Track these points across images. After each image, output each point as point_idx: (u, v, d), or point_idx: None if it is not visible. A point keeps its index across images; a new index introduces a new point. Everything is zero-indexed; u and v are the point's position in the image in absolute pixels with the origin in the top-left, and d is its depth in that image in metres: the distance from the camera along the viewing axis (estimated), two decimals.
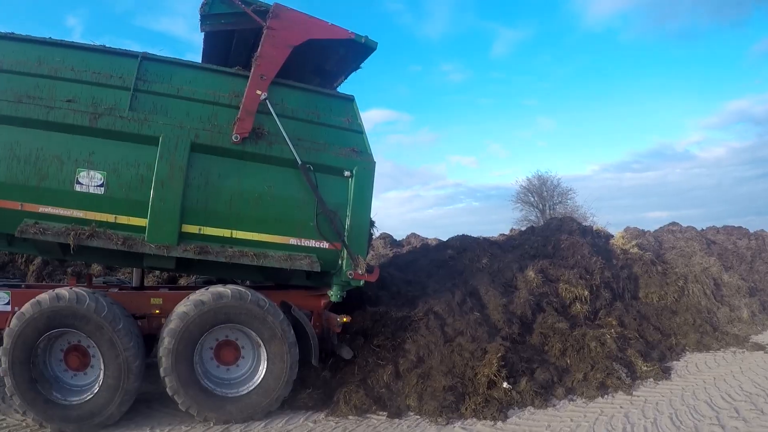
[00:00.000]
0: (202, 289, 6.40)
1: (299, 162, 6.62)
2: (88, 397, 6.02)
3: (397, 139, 76.34)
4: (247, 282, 7.92)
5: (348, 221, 6.83)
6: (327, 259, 6.80)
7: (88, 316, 5.91)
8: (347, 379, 6.86)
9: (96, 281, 8.36)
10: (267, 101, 6.64)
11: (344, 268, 6.79)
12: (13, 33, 6.41)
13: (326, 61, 7.87)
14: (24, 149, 6.06)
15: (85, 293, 6.02)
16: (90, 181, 6.21)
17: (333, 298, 6.87)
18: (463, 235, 10.58)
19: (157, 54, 6.70)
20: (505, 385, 6.69)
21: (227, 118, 6.58)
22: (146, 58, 6.56)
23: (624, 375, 7.30)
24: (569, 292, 9.08)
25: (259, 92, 6.62)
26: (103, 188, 6.22)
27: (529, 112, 72.01)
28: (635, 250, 10.84)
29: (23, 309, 5.91)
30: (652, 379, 7.53)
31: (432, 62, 72.52)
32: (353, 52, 7.47)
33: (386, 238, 14.40)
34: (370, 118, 74.04)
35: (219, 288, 6.37)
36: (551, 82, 69.00)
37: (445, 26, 75.43)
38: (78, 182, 6.16)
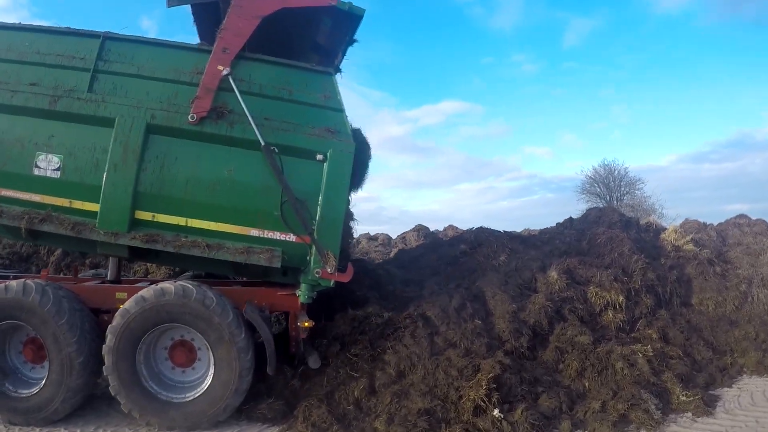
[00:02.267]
0: (151, 285, 5.20)
1: (262, 143, 5.21)
2: (35, 391, 5.18)
3: (470, 131, 72.14)
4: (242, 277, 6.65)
5: (319, 211, 5.33)
6: (294, 254, 5.36)
7: (33, 309, 5.04)
8: (314, 391, 5.38)
9: (86, 274, 7.48)
10: (229, 77, 5.31)
11: (311, 265, 5.31)
12: None
13: (317, 34, 6.41)
14: None
15: (33, 285, 5.13)
16: (48, 164, 5.36)
17: (301, 299, 5.40)
18: (480, 227, 8.58)
19: (121, 33, 5.56)
20: (495, 412, 4.91)
21: (188, 96, 5.35)
22: (108, 37, 5.52)
23: (653, 407, 5.24)
24: (600, 298, 6.95)
25: (221, 68, 5.33)
26: (59, 172, 5.33)
27: (603, 102, 64.71)
28: (690, 246, 8.23)
29: None
30: (690, 414, 5.36)
31: (504, 53, 67.34)
32: (341, 22, 5.99)
33: (421, 230, 12.54)
34: (442, 109, 71.12)
35: (165, 284, 5.17)
36: (625, 70, 61.56)
37: (516, 16, 69.95)
38: (37, 166, 5.34)
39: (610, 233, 7.96)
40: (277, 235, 5.33)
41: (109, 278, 6.21)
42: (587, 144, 64.96)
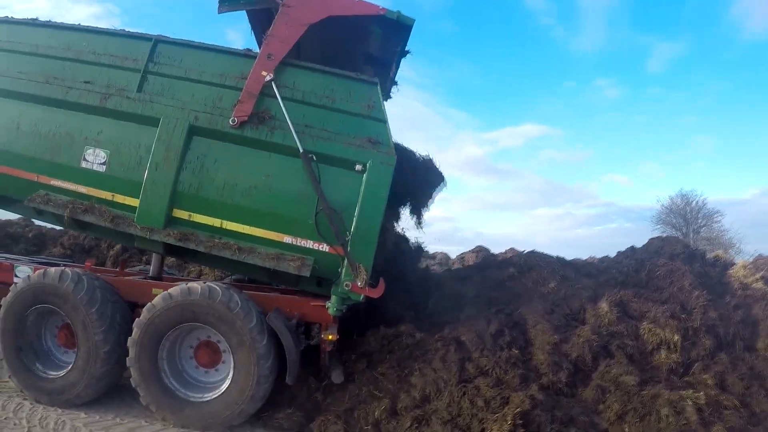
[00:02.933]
0: (182, 283, 5.13)
1: (300, 150, 5.03)
2: (62, 374, 5.25)
3: (550, 155, 69.57)
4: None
5: (354, 223, 5.07)
6: (326, 264, 5.13)
7: (66, 296, 5.11)
8: (335, 407, 5.08)
9: (133, 269, 7.57)
10: (273, 83, 5.18)
11: (342, 277, 5.06)
12: (49, 21, 5.94)
13: (370, 45, 6.24)
14: (45, 126, 5.58)
15: (69, 272, 5.19)
16: (95, 158, 5.46)
17: (330, 311, 5.13)
18: (531, 251, 7.94)
19: (172, 37, 5.60)
20: None
21: (232, 100, 5.27)
22: (160, 40, 5.57)
23: None
24: (653, 335, 6.22)
25: (264, 73, 5.22)
26: (105, 166, 5.43)
27: (686, 130, 60.95)
28: (759, 284, 7.17)
29: (18, 282, 5.34)
30: None
31: (586, 77, 64.68)
32: (391, 32, 5.77)
33: (480, 251, 11.93)
34: (522, 132, 69.15)
35: (193, 283, 5.07)
36: (710, 98, 57.81)
37: (598, 40, 67.32)
38: (85, 159, 5.46)
39: (670, 265, 7.18)
40: (309, 244, 5.13)
41: (150, 274, 6.22)
42: (668, 173, 61.21)
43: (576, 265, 7.91)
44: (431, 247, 16.69)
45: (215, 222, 5.19)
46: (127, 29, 5.79)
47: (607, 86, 64.09)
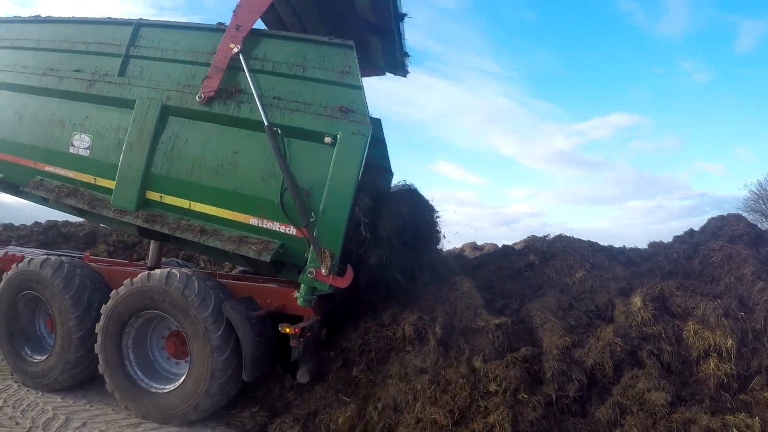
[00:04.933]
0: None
1: (265, 123, 4.28)
2: (44, 358, 4.93)
3: (640, 145, 62.40)
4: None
5: (322, 202, 4.21)
6: (294, 249, 4.32)
7: (44, 282, 4.79)
8: (298, 409, 4.24)
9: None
10: (240, 55, 4.48)
11: (307, 263, 4.22)
12: (50, 16, 5.73)
13: (363, 10, 5.51)
14: (42, 115, 5.36)
15: (52, 260, 4.88)
16: (80, 143, 5.12)
17: (298, 301, 4.31)
18: (558, 235, 6.47)
19: (152, 20, 5.13)
20: None
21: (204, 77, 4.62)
22: (141, 24, 5.10)
23: None
24: (700, 339, 4.68)
25: (232, 46, 4.52)
26: (88, 151, 5.06)
27: None
28: None
29: (9, 271, 5.14)
30: None
31: (672, 62, 56.93)
32: None
33: (532, 241, 10.45)
34: (611, 122, 62.65)
35: (158, 269, 4.51)
36: None
37: (683, 23, 59.06)
38: (72, 144, 5.12)
39: (729, 249, 5.44)
40: (276, 227, 4.34)
41: (149, 264, 5.77)
42: (763, 159, 53.20)
43: (610, 251, 6.34)
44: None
45: (184, 203, 4.60)
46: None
47: (695, 69, 56.29)
